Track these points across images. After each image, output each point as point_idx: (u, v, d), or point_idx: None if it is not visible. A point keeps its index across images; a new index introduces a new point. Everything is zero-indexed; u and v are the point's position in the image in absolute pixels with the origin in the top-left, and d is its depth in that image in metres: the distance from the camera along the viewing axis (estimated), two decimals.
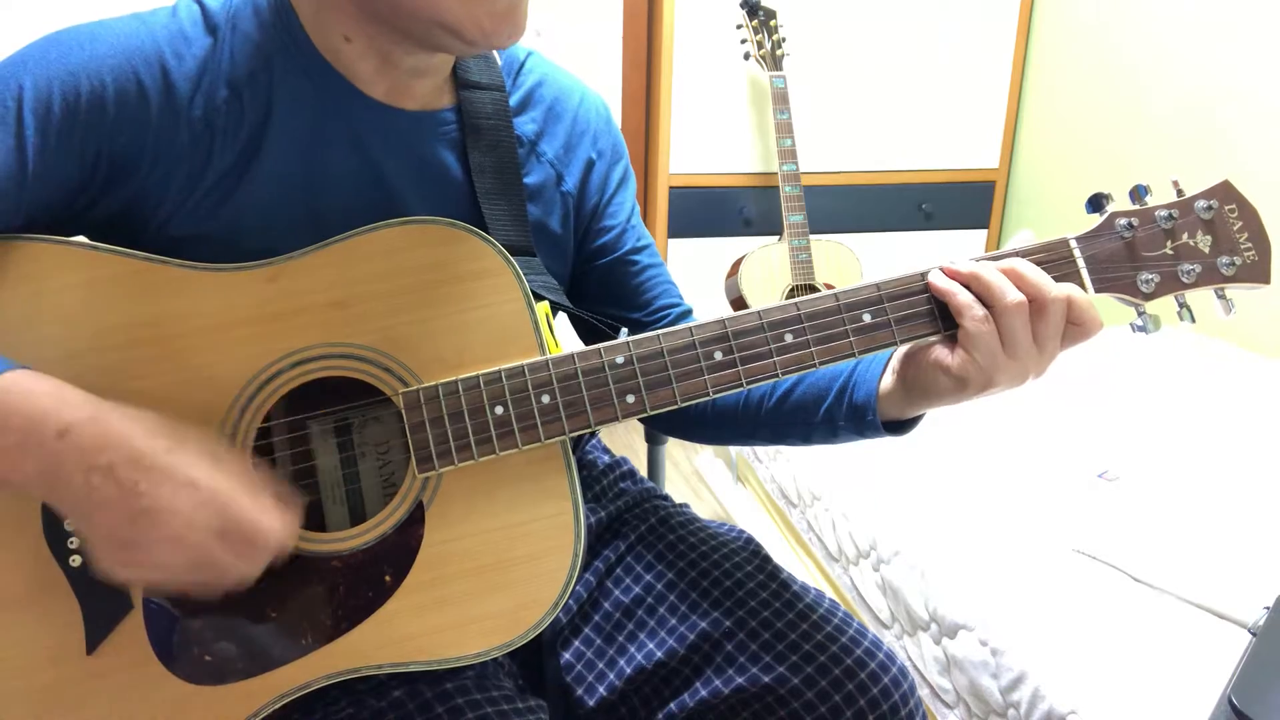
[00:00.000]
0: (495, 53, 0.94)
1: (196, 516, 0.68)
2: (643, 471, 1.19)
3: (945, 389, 0.81)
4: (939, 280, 0.80)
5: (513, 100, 0.93)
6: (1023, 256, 0.81)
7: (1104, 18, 2.70)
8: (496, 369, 0.78)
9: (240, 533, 0.70)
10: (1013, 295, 0.77)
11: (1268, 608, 1.22)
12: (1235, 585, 1.34)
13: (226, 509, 0.70)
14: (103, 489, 0.67)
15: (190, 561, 0.69)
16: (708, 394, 0.80)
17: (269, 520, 0.72)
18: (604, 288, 1.02)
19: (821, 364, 0.81)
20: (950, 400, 0.82)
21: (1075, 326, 0.79)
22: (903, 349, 0.84)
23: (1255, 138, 2.26)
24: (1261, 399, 1.98)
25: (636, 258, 1.02)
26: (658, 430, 1.20)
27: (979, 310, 0.78)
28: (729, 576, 0.98)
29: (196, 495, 0.69)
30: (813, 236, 2.68)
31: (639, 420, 0.85)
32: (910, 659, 1.56)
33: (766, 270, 2.64)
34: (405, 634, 0.77)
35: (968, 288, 0.79)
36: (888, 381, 0.86)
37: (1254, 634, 0.91)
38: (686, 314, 1.03)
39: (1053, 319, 0.78)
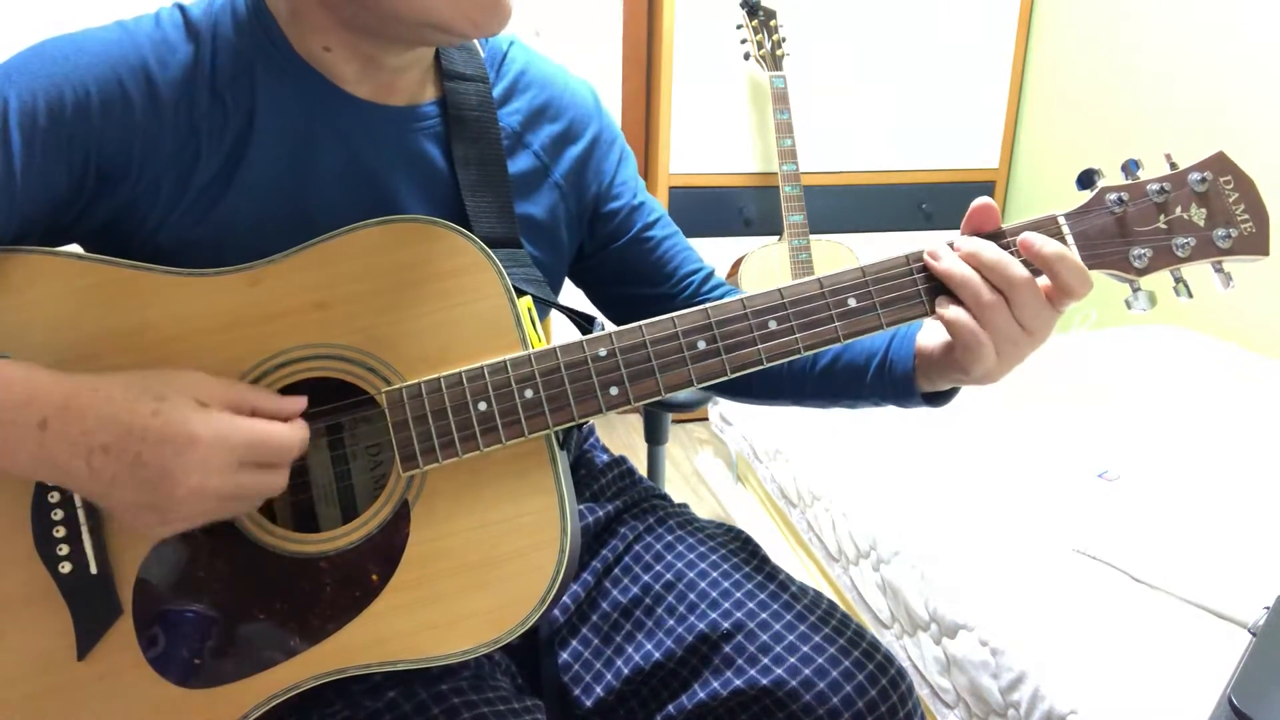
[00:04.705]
0: (478, 43, 0.94)
1: (210, 464, 0.70)
2: (642, 471, 1.18)
3: (950, 370, 0.85)
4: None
5: (496, 91, 0.93)
6: (1012, 235, 0.81)
7: (1104, 17, 2.70)
8: (479, 365, 0.78)
9: (257, 455, 0.73)
10: (987, 295, 0.78)
11: (1268, 608, 1.21)
12: (1235, 585, 1.33)
13: (235, 443, 0.71)
14: (107, 468, 0.68)
15: (220, 500, 0.72)
16: (691, 384, 0.80)
17: (278, 431, 0.74)
18: (625, 268, 1.03)
19: (806, 350, 0.81)
20: (960, 381, 0.86)
21: (1060, 290, 0.79)
22: (927, 324, 0.87)
23: (1258, 136, 2.26)
24: (1262, 399, 1.97)
25: (651, 234, 1.02)
26: (709, 391, 1.19)
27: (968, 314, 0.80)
28: (727, 578, 0.97)
29: (199, 449, 0.69)
30: (813, 236, 2.68)
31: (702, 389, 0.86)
32: (910, 659, 1.55)
33: (766, 270, 2.64)
34: (393, 633, 0.77)
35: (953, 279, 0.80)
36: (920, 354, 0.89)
37: (1254, 634, 0.90)
38: (710, 275, 1.04)
39: (1026, 301, 0.78)
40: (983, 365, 0.79)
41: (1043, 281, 0.79)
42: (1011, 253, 0.79)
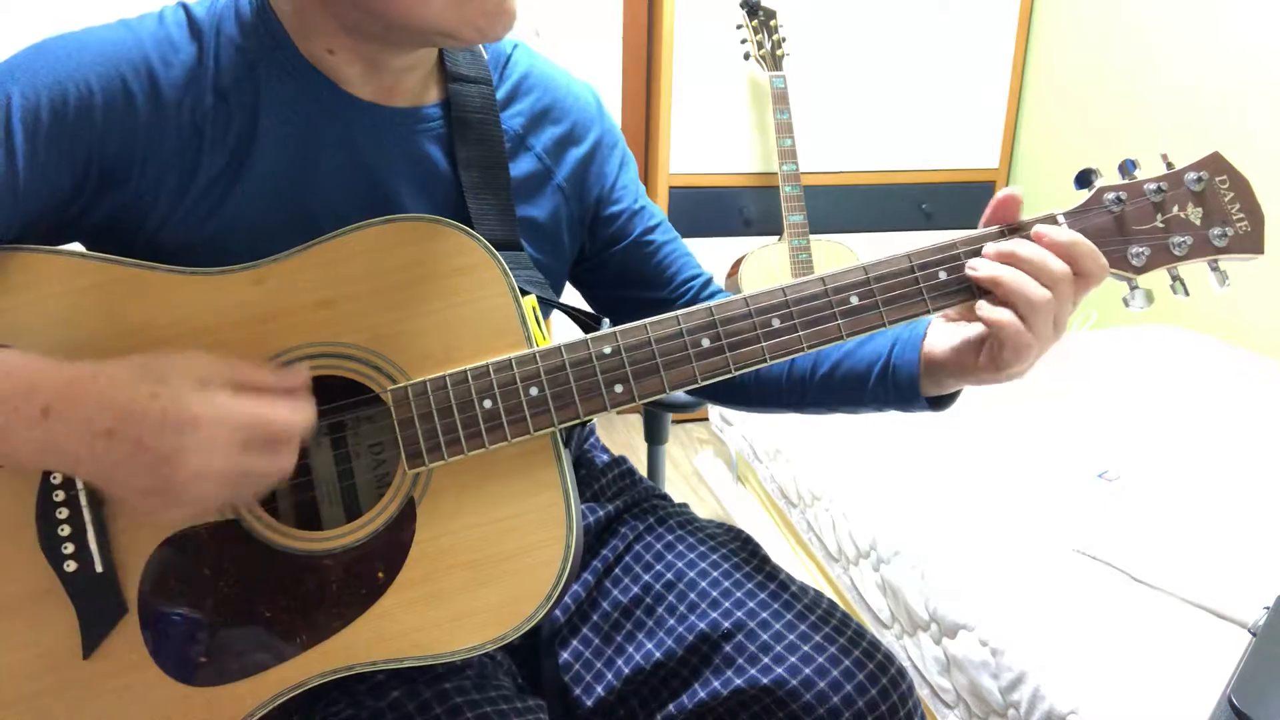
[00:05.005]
0: (482, 46, 0.94)
1: (212, 445, 0.69)
2: (642, 471, 1.18)
3: (977, 372, 0.84)
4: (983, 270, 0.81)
5: (500, 93, 0.93)
6: (1012, 234, 0.81)
7: (1104, 18, 2.70)
8: (484, 363, 0.78)
9: (261, 437, 0.71)
10: (1038, 293, 0.78)
11: (1268, 608, 1.21)
12: (1235, 585, 1.33)
13: (237, 424, 0.70)
14: (110, 453, 0.67)
15: (224, 484, 0.70)
16: (696, 382, 0.81)
17: (281, 412, 0.72)
18: (625, 272, 1.03)
19: (809, 348, 0.81)
20: (989, 381, 0.84)
21: (1079, 277, 0.79)
22: (934, 329, 0.87)
23: (1255, 137, 2.26)
24: (1262, 399, 1.98)
25: (651, 238, 1.03)
26: (703, 398, 1.20)
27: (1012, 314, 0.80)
28: (728, 577, 0.97)
29: (201, 430, 0.68)
30: (813, 236, 2.68)
31: (686, 393, 0.86)
32: (910, 659, 1.55)
33: (766, 270, 2.64)
34: (399, 630, 0.77)
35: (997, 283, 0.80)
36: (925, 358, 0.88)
37: (1254, 634, 0.90)
38: (709, 281, 1.05)
39: (1068, 294, 0.79)
40: (1024, 363, 0.80)
41: None
42: None
